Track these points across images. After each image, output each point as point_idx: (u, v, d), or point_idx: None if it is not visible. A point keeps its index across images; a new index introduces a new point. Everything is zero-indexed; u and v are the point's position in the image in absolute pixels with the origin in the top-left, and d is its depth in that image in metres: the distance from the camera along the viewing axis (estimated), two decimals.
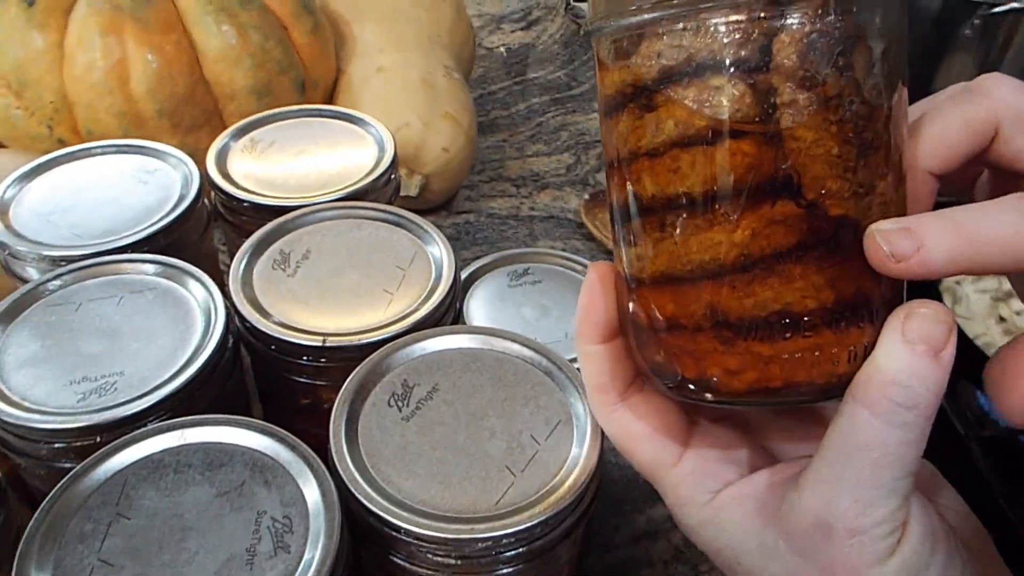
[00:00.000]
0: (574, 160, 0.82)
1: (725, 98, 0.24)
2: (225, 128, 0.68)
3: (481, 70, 0.95)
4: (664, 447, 0.31)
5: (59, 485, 0.31)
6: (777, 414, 0.32)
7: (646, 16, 0.25)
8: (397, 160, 0.50)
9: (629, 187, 0.28)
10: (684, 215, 0.26)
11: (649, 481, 0.32)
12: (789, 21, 0.24)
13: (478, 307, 0.48)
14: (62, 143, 0.64)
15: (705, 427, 0.32)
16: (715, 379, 0.27)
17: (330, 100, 0.74)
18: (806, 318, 0.25)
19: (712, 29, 0.24)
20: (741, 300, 0.26)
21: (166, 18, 0.63)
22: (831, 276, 0.25)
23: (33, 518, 0.30)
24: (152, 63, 0.62)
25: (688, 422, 0.32)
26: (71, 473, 0.32)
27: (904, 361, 0.23)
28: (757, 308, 0.26)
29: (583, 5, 1.00)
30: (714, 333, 0.27)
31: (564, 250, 0.71)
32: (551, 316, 0.48)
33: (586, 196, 0.74)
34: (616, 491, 0.50)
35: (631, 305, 0.30)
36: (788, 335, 0.25)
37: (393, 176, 0.50)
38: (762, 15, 0.24)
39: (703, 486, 0.30)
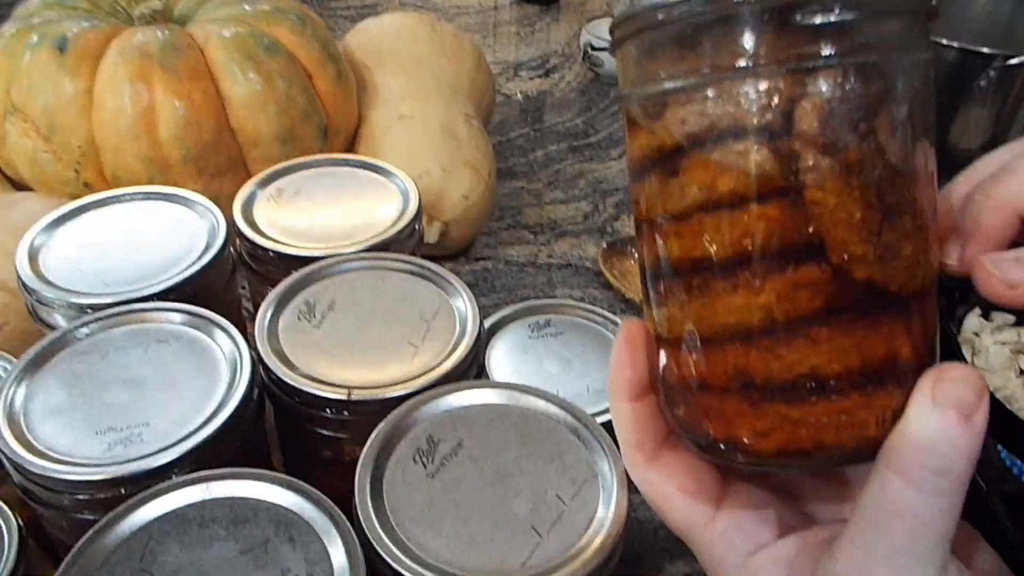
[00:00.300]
0: (591, 208, 0.82)
1: (748, 164, 0.25)
2: (248, 174, 0.69)
3: (499, 117, 0.96)
4: (697, 506, 0.31)
5: (84, 539, 0.31)
6: (811, 475, 0.32)
7: (670, 85, 0.26)
8: (421, 211, 0.51)
9: (657, 248, 0.28)
10: (710, 278, 0.26)
11: (683, 540, 0.32)
12: (811, 88, 0.24)
13: (500, 359, 0.48)
14: (88, 187, 0.65)
15: (739, 487, 0.32)
16: (744, 440, 0.27)
17: (352, 147, 0.75)
18: (833, 382, 0.25)
19: (734, 97, 0.25)
20: (767, 363, 0.26)
21: (194, 66, 0.64)
22: (858, 340, 0.25)
23: (58, 573, 0.30)
24: (179, 110, 0.63)
25: (721, 481, 0.32)
26: (96, 527, 0.32)
27: (935, 426, 0.23)
28: (783, 371, 0.26)
29: (600, 54, 1.01)
30: (742, 395, 0.27)
31: (582, 299, 0.71)
32: (573, 369, 0.48)
33: (604, 245, 0.75)
34: (635, 547, 0.50)
35: (661, 364, 0.30)
36: (815, 399, 0.25)
37: (417, 227, 0.50)
38: (784, 83, 0.24)
39: (737, 547, 0.30)
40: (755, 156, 0.25)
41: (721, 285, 0.26)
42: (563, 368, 0.48)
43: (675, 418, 0.30)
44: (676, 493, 0.31)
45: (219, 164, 0.66)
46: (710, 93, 0.25)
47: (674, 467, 0.31)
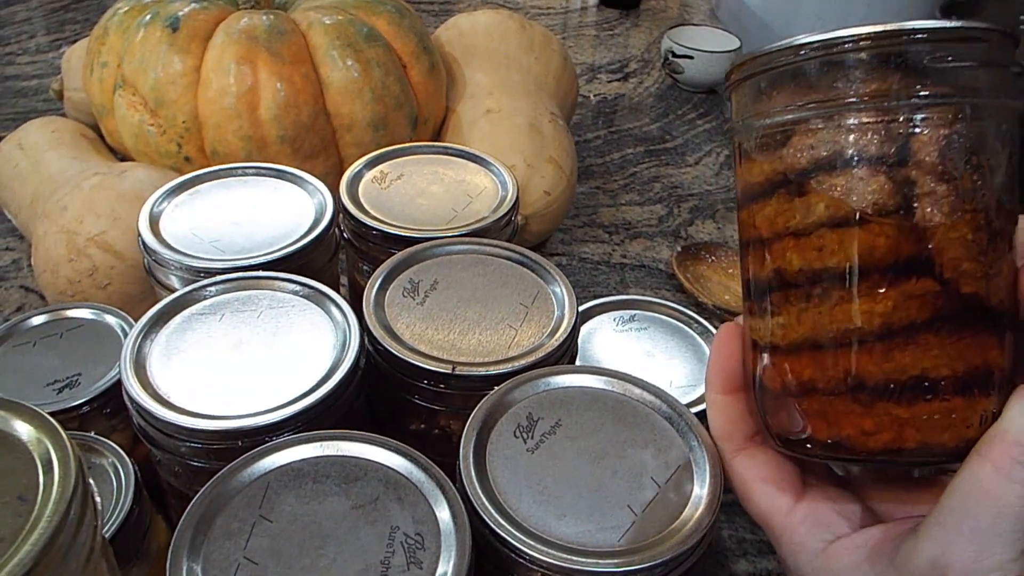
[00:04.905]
0: (666, 212, 0.83)
1: (871, 187, 0.27)
2: (339, 156, 0.71)
3: (576, 118, 0.97)
4: (779, 495, 0.33)
5: (210, 483, 0.33)
6: (891, 481, 0.34)
7: (799, 115, 0.29)
8: (519, 201, 0.52)
9: (773, 263, 0.31)
10: (829, 288, 0.29)
11: (763, 527, 0.34)
12: (929, 123, 0.27)
13: (587, 348, 0.49)
14: (189, 161, 0.68)
15: (818, 485, 0.34)
16: (849, 439, 0.30)
17: (438, 138, 0.77)
18: (942, 383, 0.28)
19: (858, 127, 0.27)
20: (880, 365, 0.28)
21: (297, 51, 0.67)
22: (963, 347, 0.28)
23: (186, 512, 0.32)
24: (280, 92, 0.65)
25: (802, 478, 0.34)
26: (220, 473, 0.34)
27: None
28: (896, 373, 0.28)
29: (681, 60, 1.02)
30: (851, 396, 0.29)
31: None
32: (656, 362, 0.49)
33: (678, 248, 0.76)
34: None
35: (762, 370, 0.32)
36: (927, 398, 0.28)
37: (514, 217, 0.52)
38: (905, 117, 0.27)
39: (816, 535, 0.32)
40: (877, 180, 0.27)
41: (839, 294, 0.28)
42: (647, 361, 0.49)
43: (774, 421, 0.33)
44: (760, 480, 0.33)
45: (313, 145, 0.68)
46: (836, 123, 0.28)
47: (760, 458, 0.34)
